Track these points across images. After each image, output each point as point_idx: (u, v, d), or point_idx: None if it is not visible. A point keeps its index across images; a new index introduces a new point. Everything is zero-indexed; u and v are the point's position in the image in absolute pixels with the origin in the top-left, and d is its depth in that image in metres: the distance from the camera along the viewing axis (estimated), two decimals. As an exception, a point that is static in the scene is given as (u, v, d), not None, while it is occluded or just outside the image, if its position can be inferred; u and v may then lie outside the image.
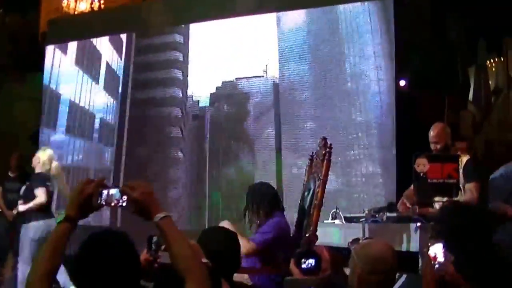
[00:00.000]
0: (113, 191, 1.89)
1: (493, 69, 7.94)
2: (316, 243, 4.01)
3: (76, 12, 8.63)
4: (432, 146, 4.46)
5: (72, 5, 8.47)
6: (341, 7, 6.43)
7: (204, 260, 2.29)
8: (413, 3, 6.35)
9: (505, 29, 7.25)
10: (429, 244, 2.79)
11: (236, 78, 7.34)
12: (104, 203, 1.90)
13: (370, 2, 6.19)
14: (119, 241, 1.93)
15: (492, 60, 7.76)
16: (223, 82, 7.43)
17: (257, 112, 7.09)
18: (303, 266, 2.42)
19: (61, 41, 8.10)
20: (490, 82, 7.68)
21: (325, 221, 4.47)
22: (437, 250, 2.68)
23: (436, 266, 2.63)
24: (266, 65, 7.11)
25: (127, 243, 1.94)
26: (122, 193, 1.88)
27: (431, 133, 4.49)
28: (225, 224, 3.88)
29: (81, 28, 8.07)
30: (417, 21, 6.34)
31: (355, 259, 2.52)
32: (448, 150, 4.45)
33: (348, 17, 6.33)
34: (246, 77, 7.30)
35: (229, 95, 7.37)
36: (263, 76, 7.15)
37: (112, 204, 1.90)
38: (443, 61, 6.38)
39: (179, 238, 1.87)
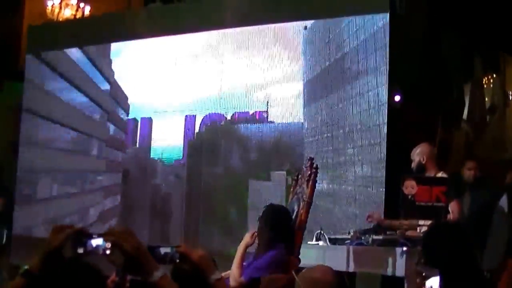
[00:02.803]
0: (98, 241, 1.57)
1: (491, 86, 7.83)
2: (300, 265, 3.92)
3: (60, 19, 8.41)
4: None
5: (56, 10, 8.27)
6: (335, 20, 6.29)
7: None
8: (408, 18, 6.25)
9: (501, 45, 7.16)
10: (424, 274, 2.71)
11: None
12: (84, 253, 1.58)
13: (364, 16, 6.06)
14: (85, 274, 1.78)
15: (488, 77, 7.65)
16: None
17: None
18: None
19: (41, 49, 7.71)
20: (486, 99, 7.57)
21: (309, 242, 4.39)
22: (433, 284, 2.61)
23: None
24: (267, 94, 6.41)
25: (92, 273, 1.80)
26: (108, 242, 1.57)
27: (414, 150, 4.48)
28: (248, 235, 3.84)
29: (62, 36, 7.73)
30: (412, 36, 6.25)
31: (299, 284, 2.47)
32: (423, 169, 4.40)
33: (342, 30, 6.22)
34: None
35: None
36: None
37: (99, 252, 1.57)
38: (437, 78, 6.28)
39: None
